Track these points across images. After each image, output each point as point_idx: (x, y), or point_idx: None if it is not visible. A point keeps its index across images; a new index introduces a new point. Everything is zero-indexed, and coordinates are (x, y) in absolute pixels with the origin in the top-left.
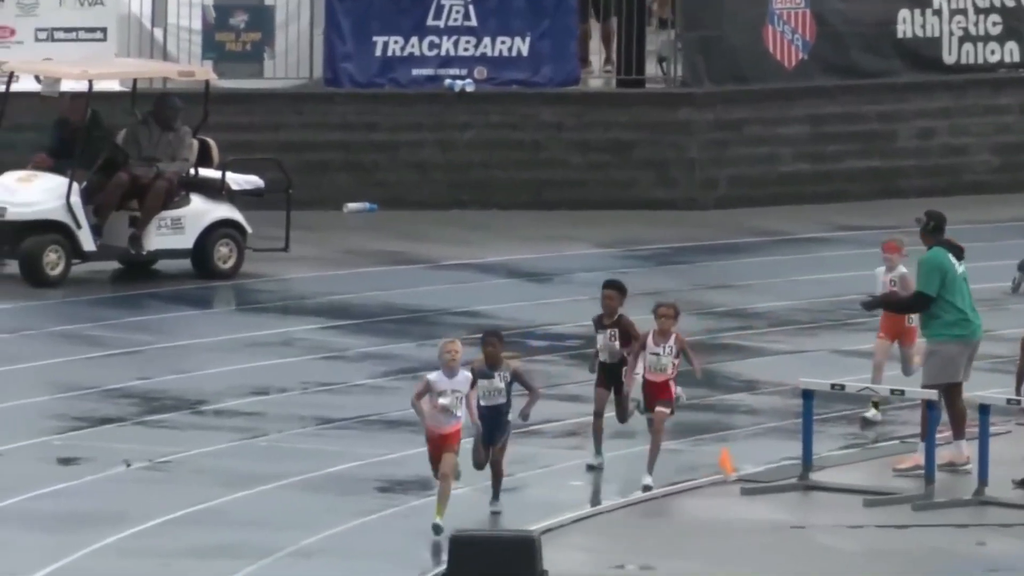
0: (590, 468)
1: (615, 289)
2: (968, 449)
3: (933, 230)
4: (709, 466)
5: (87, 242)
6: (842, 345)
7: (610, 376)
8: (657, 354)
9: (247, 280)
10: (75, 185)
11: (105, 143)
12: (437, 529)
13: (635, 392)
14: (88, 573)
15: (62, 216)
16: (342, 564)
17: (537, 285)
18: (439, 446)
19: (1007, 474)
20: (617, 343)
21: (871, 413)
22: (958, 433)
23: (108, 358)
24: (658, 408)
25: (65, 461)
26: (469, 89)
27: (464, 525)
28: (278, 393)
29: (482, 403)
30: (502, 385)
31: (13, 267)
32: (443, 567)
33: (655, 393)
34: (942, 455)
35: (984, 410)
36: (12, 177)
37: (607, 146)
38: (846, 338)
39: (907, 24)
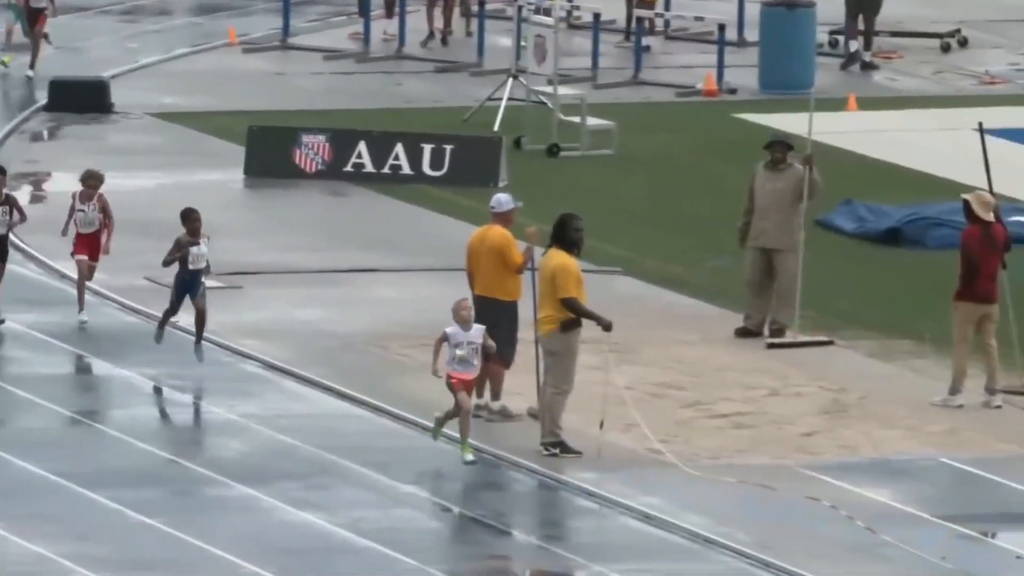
0: None
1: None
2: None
3: None
4: (221, 35)
5: None
6: None
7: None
8: (83, 211)
9: None
10: None
11: None
12: (470, 463)
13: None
14: None
15: None
16: None
17: None
18: (463, 387)
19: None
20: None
21: None
22: None
23: None
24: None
25: None
26: None
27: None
28: None
29: (190, 268)
30: (206, 251)
31: None
32: (44, 102)
33: (86, 244)
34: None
35: None
36: None
37: None
38: None
39: None
